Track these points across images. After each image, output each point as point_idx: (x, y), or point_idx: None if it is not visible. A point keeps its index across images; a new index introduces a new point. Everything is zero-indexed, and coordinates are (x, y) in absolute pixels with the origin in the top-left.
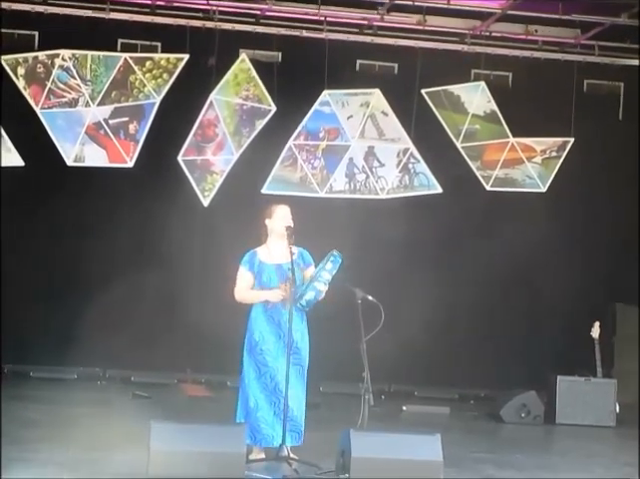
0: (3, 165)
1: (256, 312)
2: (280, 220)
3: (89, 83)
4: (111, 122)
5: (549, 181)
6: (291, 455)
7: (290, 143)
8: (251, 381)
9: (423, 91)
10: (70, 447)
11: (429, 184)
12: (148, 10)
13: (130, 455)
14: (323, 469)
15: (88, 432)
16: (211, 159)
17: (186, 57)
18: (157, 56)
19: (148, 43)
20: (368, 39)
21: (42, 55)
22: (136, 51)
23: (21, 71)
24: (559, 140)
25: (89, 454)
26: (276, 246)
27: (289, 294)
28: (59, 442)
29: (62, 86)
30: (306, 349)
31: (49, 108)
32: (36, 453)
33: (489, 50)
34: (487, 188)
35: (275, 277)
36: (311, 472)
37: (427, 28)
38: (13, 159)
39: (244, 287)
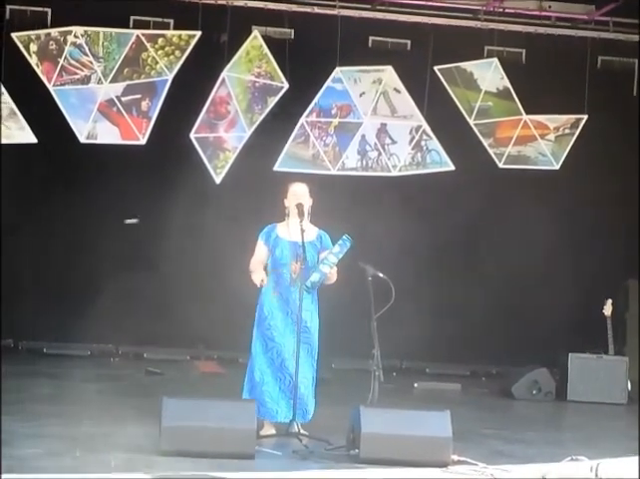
0: (17, 142)
1: (267, 287)
2: (292, 197)
3: (101, 60)
4: (123, 99)
5: (563, 158)
6: (301, 431)
7: (302, 120)
8: (258, 355)
9: (435, 68)
10: (82, 422)
11: (441, 161)
12: None
13: (141, 430)
14: (333, 445)
15: (100, 408)
16: (224, 136)
17: (199, 34)
18: (169, 33)
19: (160, 20)
20: (380, 15)
21: (54, 32)
22: (148, 28)
23: (33, 48)
24: (573, 117)
25: (101, 429)
26: (294, 224)
27: (299, 273)
28: (72, 417)
29: (74, 63)
30: (315, 329)
31: (61, 85)
32: (49, 428)
33: (503, 26)
34: (500, 165)
35: (288, 254)
36: (321, 448)
37: (439, 4)
38: (26, 136)
39: (256, 260)
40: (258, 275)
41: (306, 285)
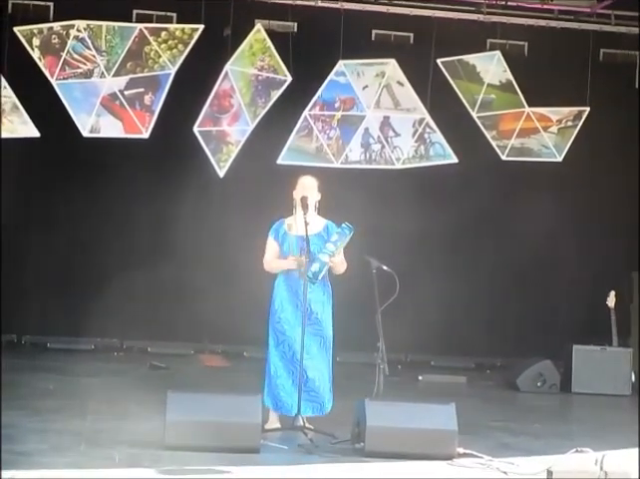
0: (20, 136)
1: (278, 281)
2: (299, 189)
3: (104, 54)
4: (126, 93)
5: (565, 150)
6: (306, 425)
7: (306, 113)
8: (272, 349)
9: (438, 61)
10: (87, 417)
11: (444, 153)
12: None
13: (146, 425)
14: (338, 438)
15: (105, 402)
16: (227, 129)
17: (202, 27)
18: (172, 27)
19: (163, 14)
20: (383, 9)
21: (57, 26)
22: (151, 22)
23: (36, 42)
24: (575, 109)
25: (105, 424)
26: (300, 217)
27: (305, 265)
28: (76, 412)
29: (77, 57)
30: (328, 321)
31: (64, 79)
32: (53, 423)
33: (505, 19)
34: (503, 157)
35: (295, 248)
36: (326, 441)
37: None
38: (29, 130)
39: (271, 257)
40: (288, 260)
41: (308, 276)
